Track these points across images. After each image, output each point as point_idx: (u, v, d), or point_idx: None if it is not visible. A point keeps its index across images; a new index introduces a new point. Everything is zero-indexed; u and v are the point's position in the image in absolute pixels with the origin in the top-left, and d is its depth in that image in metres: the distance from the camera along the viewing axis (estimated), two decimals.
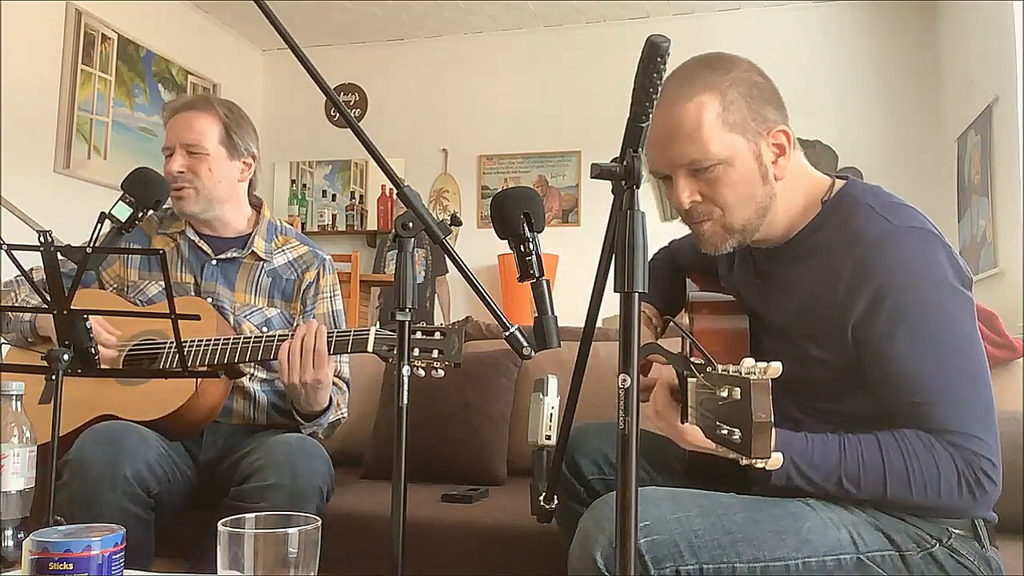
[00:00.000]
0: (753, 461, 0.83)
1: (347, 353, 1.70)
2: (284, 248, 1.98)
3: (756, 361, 0.84)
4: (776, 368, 0.84)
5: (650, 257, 1.62)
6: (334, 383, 1.91)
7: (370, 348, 1.62)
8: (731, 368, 0.87)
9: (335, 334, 1.67)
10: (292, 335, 1.66)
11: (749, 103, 1.20)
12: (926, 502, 1.13)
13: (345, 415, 1.94)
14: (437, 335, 1.54)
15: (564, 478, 1.42)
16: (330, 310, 1.97)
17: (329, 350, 1.66)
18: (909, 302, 1.14)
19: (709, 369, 0.91)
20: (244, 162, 1.93)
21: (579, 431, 1.44)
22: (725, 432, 0.85)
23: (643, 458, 1.43)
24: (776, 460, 0.84)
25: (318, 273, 1.96)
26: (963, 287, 1.17)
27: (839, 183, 1.28)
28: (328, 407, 1.81)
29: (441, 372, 1.53)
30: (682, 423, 1.06)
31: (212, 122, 1.87)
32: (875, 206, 1.20)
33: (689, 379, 0.97)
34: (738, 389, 0.84)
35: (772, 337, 1.28)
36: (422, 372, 1.53)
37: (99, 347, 1.64)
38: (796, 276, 1.26)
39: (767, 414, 0.82)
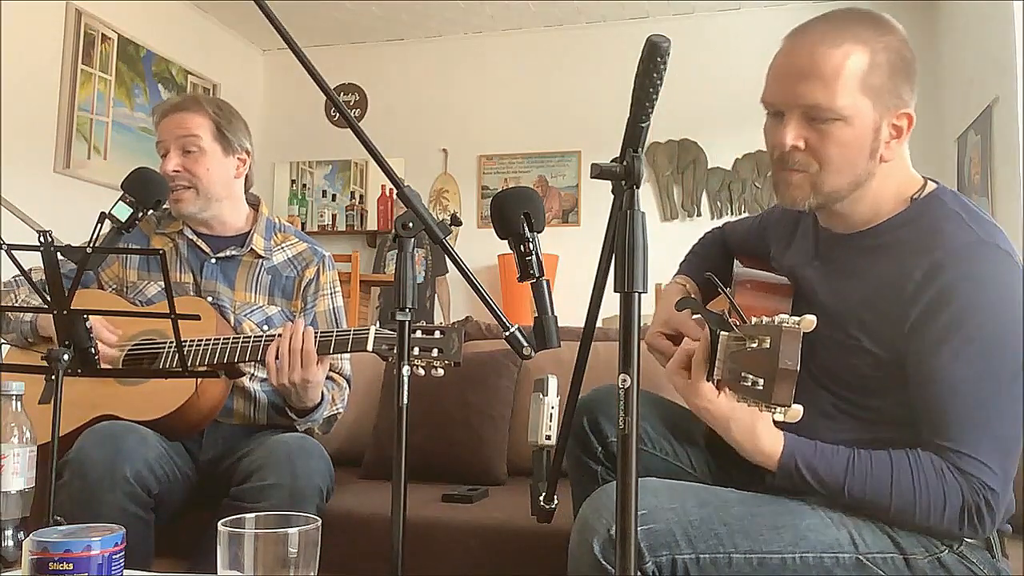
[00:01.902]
0: (772, 409, 0.82)
1: (347, 352, 1.70)
2: (283, 245, 1.98)
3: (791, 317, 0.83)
4: (811, 321, 0.83)
5: (701, 235, 1.62)
6: (333, 379, 1.91)
7: (370, 347, 1.62)
8: (764, 319, 0.86)
9: (335, 333, 1.67)
10: (279, 336, 1.66)
11: (891, 74, 1.16)
12: (927, 526, 1.13)
13: (341, 410, 1.94)
14: (437, 334, 1.54)
15: (581, 434, 1.41)
16: (331, 307, 1.98)
17: (329, 349, 1.66)
18: (970, 316, 1.11)
19: (740, 322, 0.90)
20: (239, 158, 1.93)
21: (605, 392, 1.43)
22: (748, 382, 0.84)
23: (668, 431, 1.44)
24: (796, 412, 0.83)
25: (318, 270, 1.97)
26: None
27: (931, 185, 1.24)
28: (320, 403, 1.81)
29: (441, 371, 1.53)
30: (708, 380, 1.04)
31: (204, 120, 1.88)
32: (965, 216, 1.17)
33: (721, 333, 0.96)
34: (768, 338, 0.83)
35: (823, 322, 1.20)
36: (422, 371, 1.53)
37: (101, 346, 1.64)
38: (867, 266, 1.22)
39: (794, 362, 0.81)
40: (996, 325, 1.12)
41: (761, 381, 0.82)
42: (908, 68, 1.18)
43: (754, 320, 0.88)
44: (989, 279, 1.13)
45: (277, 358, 1.65)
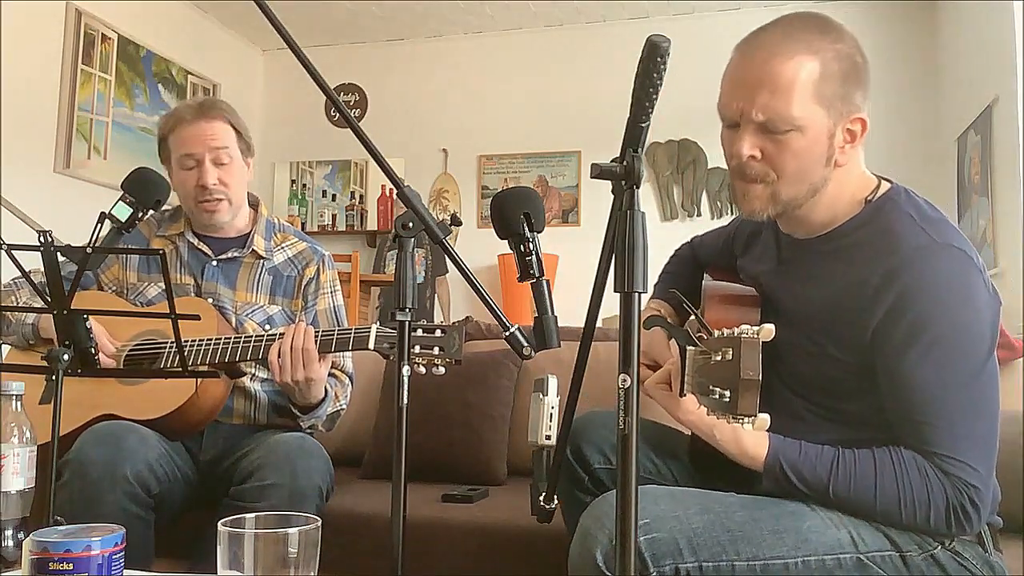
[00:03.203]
0: (740, 420, 0.83)
1: (348, 351, 1.70)
2: (283, 245, 1.99)
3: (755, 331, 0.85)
4: (769, 330, 0.84)
5: (671, 254, 1.63)
6: (336, 376, 1.92)
7: (371, 345, 1.62)
8: (725, 331, 0.87)
9: (336, 332, 1.67)
10: (281, 336, 1.67)
11: (844, 81, 1.16)
12: (914, 526, 1.14)
13: (344, 407, 1.94)
14: (438, 332, 1.54)
15: (568, 465, 1.41)
16: (331, 305, 1.98)
17: (330, 348, 1.67)
18: (932, 319, 1.12)
19: (707, 336, 0.91)
20: (248, 161, 1.94)
21: (586, 419, 1.44)
22: (716, 395, 0.85)
23: (650, 449, 1.44)
24: (763, 421, 0.84)
25: (318, 269, 1.97)
26: (990, 314, 1.15)
27: (885, 185, 1.25)
28: (324, 399, 1.81)
29: (442, 369, 1.53)
30: (681, 395, 1.05)
31: (228, 127, 1.87)
32: (916, 217, 1.18)
33: (688, 348, 0.97)
34: (730, 349, 0.84)
35: (789, 328, 1.22)
36: (423, 370, 1.52)
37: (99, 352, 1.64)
38: (826, 271, 1.23)
39: (755, 372, 0.82)
40: (958, 324, 1.13)
41: (728, 393, 0.84)
42: (860, 74, 1.18)
43: (716, 333, 0.89)
44: (945, 280, 1.13)
45: (279, 357, 1.65)
